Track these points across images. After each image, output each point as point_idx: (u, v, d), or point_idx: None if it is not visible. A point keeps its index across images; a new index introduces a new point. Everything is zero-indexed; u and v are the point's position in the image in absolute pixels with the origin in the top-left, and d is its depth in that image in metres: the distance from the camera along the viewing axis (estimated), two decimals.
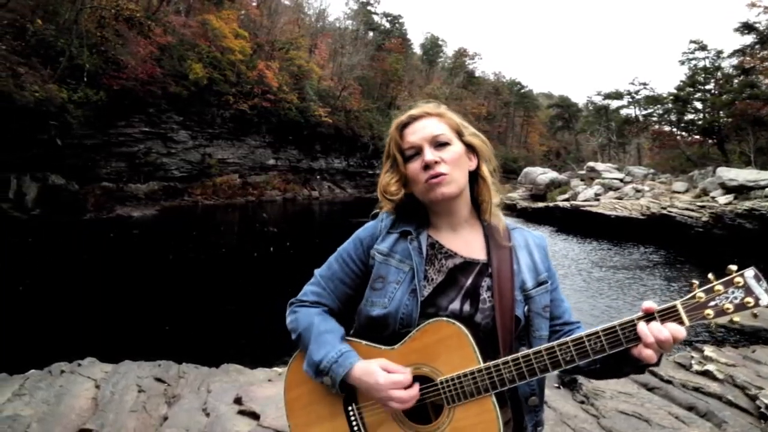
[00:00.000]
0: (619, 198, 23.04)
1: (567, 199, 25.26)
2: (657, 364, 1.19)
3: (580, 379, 4.08)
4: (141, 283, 11.60)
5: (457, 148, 1.35)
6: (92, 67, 23.20)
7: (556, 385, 4.15)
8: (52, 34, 22.26)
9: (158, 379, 4.12)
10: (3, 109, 17.34)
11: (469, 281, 1.33)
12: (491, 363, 1.21)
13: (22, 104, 17.95)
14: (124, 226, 21.61)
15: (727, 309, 1.13)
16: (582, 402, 3.89)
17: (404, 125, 1.37)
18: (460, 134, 1.37)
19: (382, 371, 1.24)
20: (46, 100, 19.19)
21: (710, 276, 1.17)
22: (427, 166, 1.30)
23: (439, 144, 1.33)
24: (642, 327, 1.14)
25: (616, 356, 1.19)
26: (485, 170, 1.40)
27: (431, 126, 1.35)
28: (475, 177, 1.41)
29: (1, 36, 19.21)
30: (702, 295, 1.15)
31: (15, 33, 20.41)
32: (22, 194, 21.30)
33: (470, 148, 1.39)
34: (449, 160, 1.32)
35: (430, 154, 1.31)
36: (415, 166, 1.33)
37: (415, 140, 1.34)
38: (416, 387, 1.25)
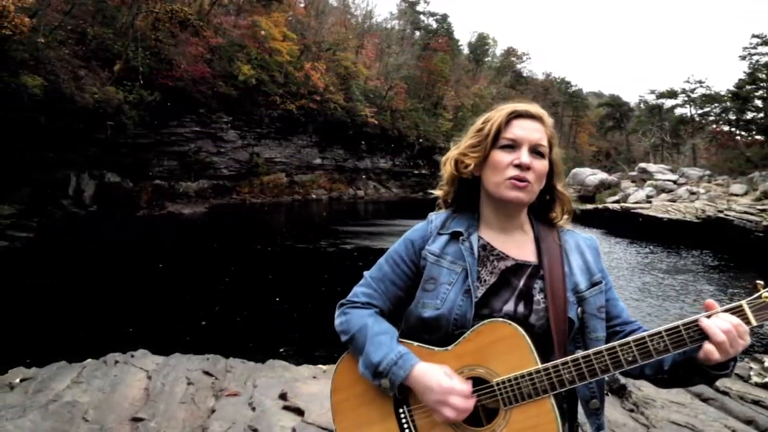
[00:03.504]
0: (673, 200, 22.33)
1: (617, 201, 24.64)
2: (728, 373, 1.16)
3: (630, 386, 3.94)
4: (192, 278, 11.93)
5: (546, 163, 1.34)
6: (147, 69, 24.00)
7: (604, 391, 4.02)
8: (110, 37, 23.15)
9: (206, 373, 4.21)
10: (65, 110, 18.14)
11: (522, 283, 1.32)
12: (550, 363, 1.19)
13: (82, 105, 18.72)
14: (175, 222, 22.28)
15: None
16: (631, 410, 3.74)
17: (517, 115, 1.35)
18: (550, 148, 1.37)
19: (445, 375, 1.22)
20: (104, 101, 19.96)
21: None
22: (518, 166, 1.29)
23: (536, 152, 1.32)
24: (704, 320, 1.11)
25: (685, 365, 1.18)
26: (560, 187, 1.42)
27: (539, 132, 1.34)
28: (544, 191, 1.41)
29: (65, 41, 20.09)
30: None
31: (77, 38, 21.33)
32: (81, 191, 22.28)
33: (550, 165, 1.38)
34: (537, 172, 1.31)
35: (527, 156, 1.30)
36: (503, 156, 1.31)
37: (520, 136, 1.32)
38: (474, 399, 1.23)
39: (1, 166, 17.42)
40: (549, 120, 1.38)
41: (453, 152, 1.43)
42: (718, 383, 4.07)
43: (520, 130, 1.32)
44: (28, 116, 16.82)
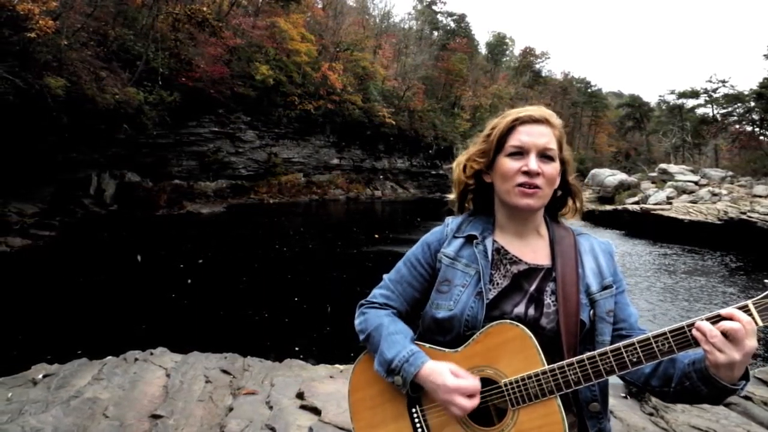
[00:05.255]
0: (694, 202, 22.00)
1: (636, 202, 24.34)
2: (738, 390, 1.11)
3: None
4: (210, 277, 12.03)
5: (556, 165, 1.34)
6: (166, 70, 24.24)
7: (623, 394, 3.96)
8: (131, 39, 23.44)
9: (224, 371, 4.24)
10: (87, 111, 18.39)
11: (533, 286, 1.33)
12: (556, 365, 1.19)
13: (103, 106, 18.95)
14: (194, 222, 22.49)
15: None
16: (651, 414, 3.69)
17: (521, 122, 1.34)
18: (560, 149, 1.36)
19: (451, 375, 1.24)
20: (124, 102, 20.19)
21: None
22: (527, 173, 1.29)
23: (545, 156, 1.31)
24: (700, 322, 1.08)
25: (691, 376, 1.15)
26: (572, 180, 1.43)
27: (547, 136, 1.33)
28: (557, 187, 1.41)
29: (87, 43, 20.37)
30: None
31: (98, 40, 21.63)
32: (102, 191, 22.61)
33: (561, 164, 1.38)
34: (548, 177, 1.31)
35: (534, 162, 1.29)
36: (511, 164, 1.32)
37: (526, 142, 1.31)
38: (477, 398, 1.24)
39: (25, 166, 17.74)
40: (557, 121, 1.37)
41: (462, 157, 1.45)
42: None
43: (526, 136, 1.32)
44: (51, 117, 17.07)
